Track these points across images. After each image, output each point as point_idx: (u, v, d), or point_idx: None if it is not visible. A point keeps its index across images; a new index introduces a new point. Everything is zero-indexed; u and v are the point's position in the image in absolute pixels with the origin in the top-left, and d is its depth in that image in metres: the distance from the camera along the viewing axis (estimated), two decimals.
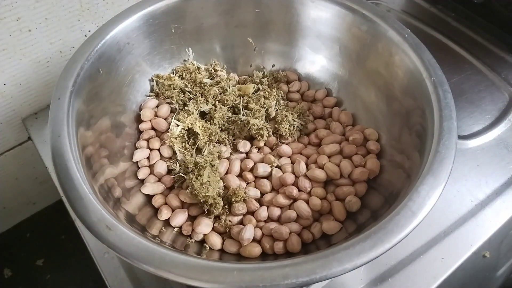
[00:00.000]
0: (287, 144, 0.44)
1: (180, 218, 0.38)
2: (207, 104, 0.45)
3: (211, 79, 0.49)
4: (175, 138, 0.43)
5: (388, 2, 0.70)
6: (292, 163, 0.42)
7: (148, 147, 0.44)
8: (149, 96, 0.47)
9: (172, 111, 0.47)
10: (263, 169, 0.41)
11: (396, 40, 0.41)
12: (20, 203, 0.75)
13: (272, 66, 0.52)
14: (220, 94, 0.46)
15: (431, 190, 0.30)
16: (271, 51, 0.51)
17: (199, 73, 0.49)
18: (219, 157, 0.43)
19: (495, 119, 0.54)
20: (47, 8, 0.50)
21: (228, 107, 0.46)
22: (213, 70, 0.50)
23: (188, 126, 0.43)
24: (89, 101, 0.38)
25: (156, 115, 0.46)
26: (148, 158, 0.43)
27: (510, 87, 0.57)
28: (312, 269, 0.27)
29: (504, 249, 0.50)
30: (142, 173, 0.42)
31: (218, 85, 0.48)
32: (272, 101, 0.46)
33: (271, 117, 0.46)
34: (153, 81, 0.48)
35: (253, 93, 0.48)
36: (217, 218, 0.39)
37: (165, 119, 0.45)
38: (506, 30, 0.63)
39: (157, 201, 0.40)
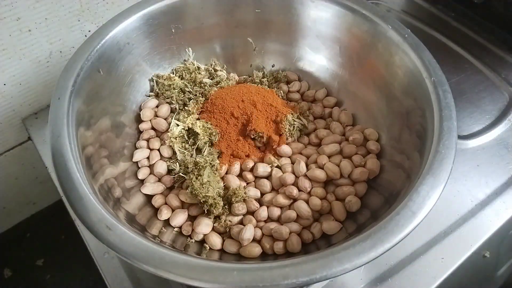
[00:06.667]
0: (287, 144, 0.44)
1: (180, 218, 0.38)
2: None
3: (211, 79, 0.49)
4: (175, 138, 0.43)
5: (388, 2, 0.70)
6: (292, 163, 0.42)
7: (148, 147, 0.44)
8: (149, 96, 0.47)
9: (172, 111, 0.47)
10: (263, 169, 0.41)
11: (396, 40, 0.41)
12: (20, 203, 0.75)
13: (272, 66, 0.52)
14: None
15: (431, 190, 0.30)
16: (271, 51, 0.51)
17: (199, 73, 0.49)
18: (219, 157, 0.43)
19: (495, 119, 0.54)
20: (47, 8, 0.50)
21: None
22: (213, 70, 0.50)
23: (188, 126, 0.43)
24: (89, 101, 0.38)
25: (156, 115, 0.46)
26: (148, 158, 0.43)
27: (510, 87, 0.57)
28: (312, 269, 0.27)
29: (504, 249, 0.50)
30: (142, 173, 0.42)
31: (218, 85, 0.48)
32: None
33: None
34: (153, 81, 0.48)
35: None
36: (217, 218, 0.39)
37: (165, 119, 0.45)
38: (506, 30, 0.63)
39: (157, 201, 0.40)
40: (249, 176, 0.42)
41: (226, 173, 0.42)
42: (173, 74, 0.49)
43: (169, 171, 0.42)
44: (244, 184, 0.41)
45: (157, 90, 0.47)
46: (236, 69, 0.52)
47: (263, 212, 0.39)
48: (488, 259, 0.47)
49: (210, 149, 0.43)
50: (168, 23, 0.46)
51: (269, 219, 0.39)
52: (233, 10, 0.48)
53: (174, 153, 0.43)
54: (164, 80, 0.47)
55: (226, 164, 0.42)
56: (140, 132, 0.45)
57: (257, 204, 0.39)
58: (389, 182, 0.38)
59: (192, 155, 0.43)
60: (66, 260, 0.79)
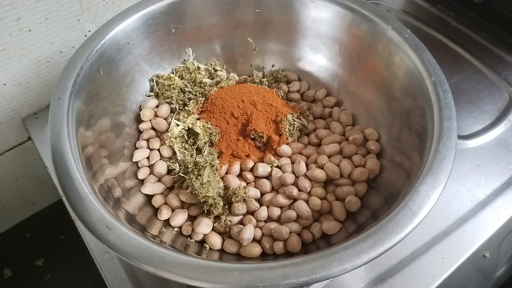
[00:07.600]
0: (287, 144, 0.44)
1: (180, 218, 0.38)
2: None
3: (211, 79, 0.49)
4: (175, 138, 0.43)
5: (388, 2, 0.70)
6: (292, 163, 0.42)
7: (148, 147, 0.44)
8: (149, 96, 0.47)
9: (172, 111, 0.47)
10: (263, 169, 0.41)
11: (396, 40, 0.41)
12: (20, 203, 0.75)
13: (272, 66, 0.52)
14: None
15: (431, 190, 0.30)
16: (271, 51, 0.51)
17: (199, 73, 0.49)
18: (219, 157, 0.43)
19: (495, 119, 0.54)
20: (47, 8, 0.50)
21: None
22: (213, 70, 0.50)
23: (188, 126, 0.43)
24: (89, 101, 0.38)
25: (156, 115, 0.46)
26: (148, 158, 0.43)
27: (510, 87, 0.57)
28: (312, 269, 0.27)
29: (504, 249, 0.50)
30: (142, 173, 0.42)
31: (218, 85, 0.48)
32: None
33: None
34: (153, 81, 0.48)
35: None
36: (217, 218, 0.39)
37: (165, 119, 0.45)
38: (506, 30, 0.63)
39: (157, 201, 0.40)
40: (249, 176, 0.42)
41: (226, 173, 0.42)
42: (173, 74, 0.49)
43: (169, 171, 0.42)
44: (244, 184, 0.41)
45: (157, 90, 0.47)
46: (236, 69, 0.52)
47: (263, 212, 0.39)
48: (488, 259, 0.47)
49: (210, 149, 0.43)
50: (168, 23, 0.46)
51: (269, 219, 0.39)
52: (233, 10, 0.48)
53: (174, 153, 0.43)
54: (164, 80, 0.47)
55: (226, 164, 0.42)
56: (140, 132, 0.45)
57: (257, 204, 0.39)
58: (389, 182, 0.38)
59: (192, 155, 0.43)
60: (66, 260, 0.79)
